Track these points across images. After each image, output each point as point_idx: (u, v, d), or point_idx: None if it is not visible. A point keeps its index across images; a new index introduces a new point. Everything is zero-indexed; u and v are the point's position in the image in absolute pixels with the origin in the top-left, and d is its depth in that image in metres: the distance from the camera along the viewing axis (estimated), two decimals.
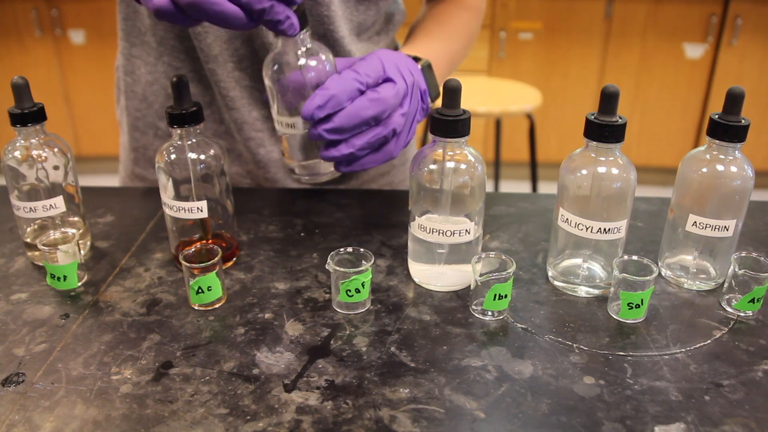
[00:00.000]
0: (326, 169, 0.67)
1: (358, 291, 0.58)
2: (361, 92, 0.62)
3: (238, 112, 0.81)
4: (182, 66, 0.82)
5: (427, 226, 0.60)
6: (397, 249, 0.70)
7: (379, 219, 0.77)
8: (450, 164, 0.58)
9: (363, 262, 0.60)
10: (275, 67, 0.63)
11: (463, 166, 0.59)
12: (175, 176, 0.63)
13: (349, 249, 0.61)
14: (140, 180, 0.91)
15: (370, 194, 0.84)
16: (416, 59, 0.73)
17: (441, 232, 0.59)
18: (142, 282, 0.65)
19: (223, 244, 0.68)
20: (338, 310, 0.60)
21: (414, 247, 0.64)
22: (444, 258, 0.62)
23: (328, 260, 0.59)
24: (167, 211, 0.65)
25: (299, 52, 0.62)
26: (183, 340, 0.56)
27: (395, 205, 0.81)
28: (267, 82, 0.64)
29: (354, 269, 0.58)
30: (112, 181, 0.97)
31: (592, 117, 0.58)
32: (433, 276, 0.63)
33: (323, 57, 0.63)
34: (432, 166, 0.59)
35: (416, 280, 0.64)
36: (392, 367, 0.53)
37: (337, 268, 0.58)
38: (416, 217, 0.61)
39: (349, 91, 0.61)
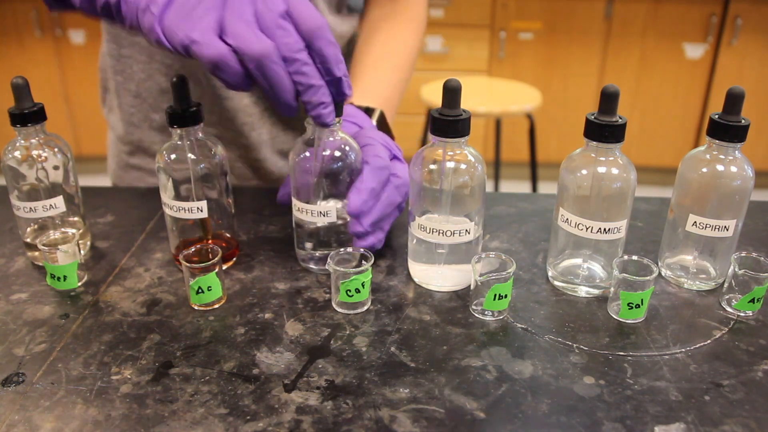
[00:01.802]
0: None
1: (358, 291, 0.58)
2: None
3: (231, 101, 0.83)
4: (174, 62, 0.82)
5: (427, 226, 0.60)
6: (397, 249, 0.70)
7: None
8: (450, 164, 0.58)
9: (363, 262, 0.60)
10: (304, 155, 0.62)
11: (463, 166, 0.59)
12: (175, 176, 0.63)
13: (349, 249, 0.61)
14: (136, 170, 0.91)
15: None
16: (368, 110, 0.74)
17: (441, 232, 0.59)
18: (142, 282, 0.65)
19: (223, 244, 0.68)
20: (338, 310, 0.60)
21: (414, 247, 0.64)
22: (444, 258, 0.62)
23: (328, 260, 0.59)
24: (167, 211, 0.65)
25: (331, 142, 0.62)
26: (183, 340, 0.56)
27: None
28: (296, 167, 0.63)
29: (354, 269, 0.58)
30: None
31: (592, 117, 0.58)
32: (433, 276, 0.63)
33: (348, 148, 0.62)
34: (432, 166, 0.59)
35: (416, 280, 0.64)
36: (392, 367, 0.53)
37: (337, 268, 0.58)
38: (416, 217, 0.61)
39: (383, 181, 0.63)
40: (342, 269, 0.58)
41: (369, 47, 0.86)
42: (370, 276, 0.59)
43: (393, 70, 0.85)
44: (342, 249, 0.61)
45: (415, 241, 0.63)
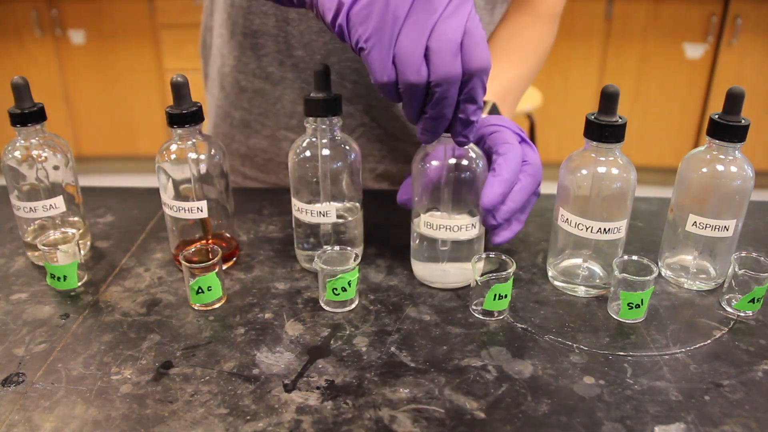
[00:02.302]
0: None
1: (344, 289, 0.58)
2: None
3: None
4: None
5: (432, 222, 0.60)
6: (397, 249, 0.70)
7: (379, 219, 0.77)
8: (452, 161, 0.58)
9: (350, 260, 0.60)
10: (304, 155, 0.62)
11: (464, 162, 0.59)
12: (175, 176, 0.63)
13: (336, 247, 0.62)
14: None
15: (370, 194, 0.84)
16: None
17: (447, 227, 0.59)
18: (142, 282, 0.65)
19: (223, 244, 0.68)
20: (326, 309, 0.60)
21: (417, 245, 0.64)
22: (447, 256, 0.62)
23: (315, 259, 0.59)
24: (167, 211, 0.65)
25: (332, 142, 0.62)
26: (183, 340, 0.56)
27: (395, 205, 0.81)
28: (296, 167, 0.63)
29: (340, 267, 0.58)
30: (112, 181, 0.97)
31: (592, 117, 0.58)
32: (435, 274, 0.63)
33: (348, 148, 0.62)
34: (434, 162, 0.59)
35: (418, 277, 0.65)
36: (392, 367, 0.53)
37: (324, 267, 0.58)
38: (420, 214, 0.61)
39: (517, 170, 0.60)
40: (328, 267, 0.58)
41: (493, 39, 0.83)
42: (357, 274, 0.59)
43: (515, 64, 0.82)
44: (329, 247, 0.61)
45: (417, 239, 0.63)
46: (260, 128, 0.86)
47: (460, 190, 0.59)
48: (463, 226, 0.60)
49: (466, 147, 0.58)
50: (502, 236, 0.61)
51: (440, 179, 0.59)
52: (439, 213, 0.61)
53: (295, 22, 0.76)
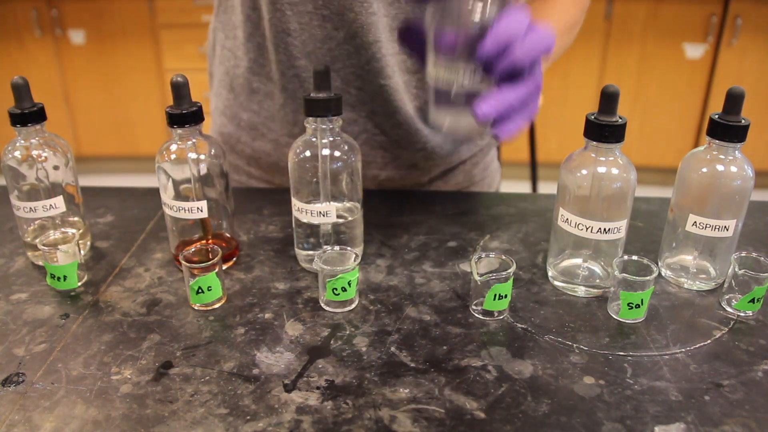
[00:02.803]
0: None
1: (344, 289, 0.58)
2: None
3: (389, 81, 0.79)
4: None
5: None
6: (397, 249, 0.70)
7: (379, 219, 0.77)
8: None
9: (350, 260, 0.60)
10: (304, 155, 0.63)
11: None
12: (175, 176, 0.63)
13: (336, 247, 0.62)
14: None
15: (370, 194, 0.84)
16: None
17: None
18: (142, 282, 0.65)
19: (223, 244, 0.68)
20: (326, 309, 0.60)
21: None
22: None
23: (315, 258, 0.59)
24: (167, 211, 0.65)
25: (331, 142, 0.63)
26: (183, 340, 0.56)
27: (395, 205, 0.81)
28: (295, 167, 0.64)
29: (340, 267, 0.58)
30: (112, 181, 0.97)
31: (592, 117, 0.58)
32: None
33: (347, 148, 0.63)
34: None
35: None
36: (392, 367, 0.53)
37: (324, 267, 0.58)
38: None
39: (522, 29, 0.54)
40: (328, 267, 0.58)
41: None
42: (357, 274, 0.59)
43: (557, 18, 0.80)
44: (329, 247, 0.62)
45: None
46: (266, 132, 0.86)
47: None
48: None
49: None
50: (493, 121, 0.55)
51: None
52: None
53: (296, 33, 0.76)
